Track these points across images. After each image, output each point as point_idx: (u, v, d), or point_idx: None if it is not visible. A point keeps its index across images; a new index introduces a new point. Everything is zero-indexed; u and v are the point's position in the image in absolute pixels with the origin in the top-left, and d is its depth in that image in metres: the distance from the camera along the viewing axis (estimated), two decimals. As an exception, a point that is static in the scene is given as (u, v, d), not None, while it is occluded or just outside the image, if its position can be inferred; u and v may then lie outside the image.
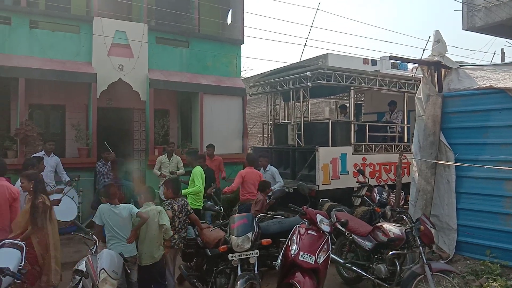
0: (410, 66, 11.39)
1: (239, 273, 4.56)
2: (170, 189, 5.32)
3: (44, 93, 9.87)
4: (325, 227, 4.85)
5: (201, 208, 6.90)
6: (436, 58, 6.71)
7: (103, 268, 3.80)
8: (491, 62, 12.42)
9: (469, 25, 10.33)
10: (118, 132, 11.47)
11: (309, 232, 4.85)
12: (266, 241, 4.90)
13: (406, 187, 8.85)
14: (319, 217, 4.89)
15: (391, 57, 6.55)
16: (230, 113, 11.57)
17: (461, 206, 6.45)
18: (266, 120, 11.20)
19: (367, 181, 8.66)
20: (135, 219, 4.57)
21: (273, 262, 5.44)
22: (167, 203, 5.18)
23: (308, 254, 4.61)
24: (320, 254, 4.67)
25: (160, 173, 9.09)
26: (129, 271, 4.38)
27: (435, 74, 6.80)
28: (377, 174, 9.74)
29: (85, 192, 9.17)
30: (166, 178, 8.94)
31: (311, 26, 10.91)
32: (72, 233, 4.53)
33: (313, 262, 4.57)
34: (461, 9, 10.18)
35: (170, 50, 11.05)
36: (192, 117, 11.60)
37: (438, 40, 6.74)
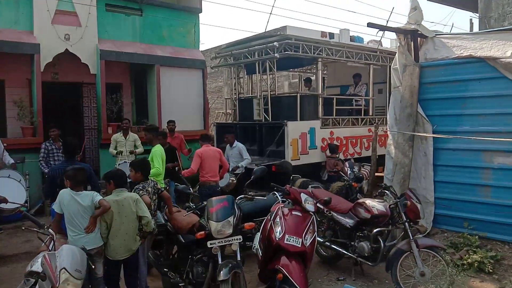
0: (366, 39, 11.20)
1: (220, 261, 4.09)
2: (139, 171, 4.71)
3: (-22, 66, 8.71)
4: (310, 207, 4.49)
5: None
6: (413, 27, 6.42)
7: (64, 268, 3.19)
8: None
9: (434, -4, 10.20)
10: (66, 109, 10.51)
11: (293, 212, 4.47)
12: (249, 225, 4.45)
13: (369, 160, 8.78)
14: (303, 197, 4.51)
15: (369, 24, 6.17)
16: (190, 87, 10.88)
17: (438, 178, 6.34)
18: (230, 94, 10.62)
19: (337, 156, 8.44)
20: (97, 209, 3.91)
21: (247, 243, 5.06)
22: (140, 187, 4.57)
23: (294, 237, 4.24)
24: (306, 236, 4.31)
25: (116, 151, 8.34)
26: (93, 266, 3.77)
27: (412, 43, 6.53)
28: (344, 148, 9.55)
29: (32, 175, 8.26)
30: (123, 157, 8.27)
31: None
32: (23, 228, 3.83)
33: (300, 245, 4.21)
34: (426, -21, 9.98)
35: (122, 18, 10.12)
36: (148, 91, 10.79)
37: (415, 7, 6.46)
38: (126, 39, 10.08)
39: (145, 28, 10.41)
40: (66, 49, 9.10)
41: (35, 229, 3.73)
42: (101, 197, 3.95)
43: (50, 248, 3.53)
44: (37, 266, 3.33)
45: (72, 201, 3.83)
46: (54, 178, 4.97)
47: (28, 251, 6.42)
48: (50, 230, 3.67)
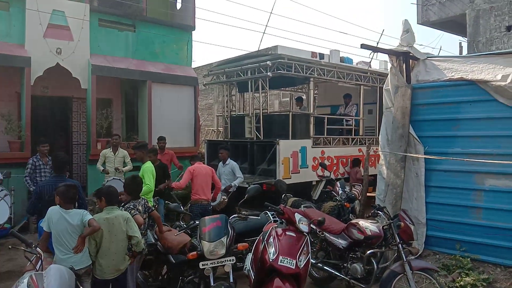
0: (355, 61, 11.36)
1: (212, 283, 4.00)
2: (130, 190, 4.60)
3: (-33, 78, 8.58)
4: (304, 227, 4.42)
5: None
6: (405, 49, 6.51)
7: (52, 289, 3.07)
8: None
9: (424, 19, 10.42)
10: (55, 124, 10.36)
11: (287, 233, 4.38)
12: (242, 245, 4.39)
13: (359, 179, 8.79)
14: (297, 217, 4.44)
15: (362, 46, 6.24)
16: (181, 104, 10.86)
17: (430, 200, 6.34)
18: (222, 112, 10.60)
19: (329, 175, 8.42)
20: (86, 228, 3.79)
21: (237, 264, 4.96)
22: (131, 206, 4.45)
23: (288, 258, 4.15)
24: (300, 257, 4.22)
25: (103, 168, 8.21)
26: (81, 287, 3.64)
27: (404, 65, 6.60)
28: (334, 168, 9.54)
29: (18, 191, 8.07)
30: (111, 173, 8.13)
31: (271, 13, 10.43)
32: (9, 247, 3.69)
33: (294, 267, 4.12)
34: (416, 3, 10.21)
35: (115, 33, 10.11)
36: (138, 107, 10.73)
37: (407, 30, 6.55)
38: (119, 54, 10.05)
39: (137, 44, 10.41)
40: (57, 63, 9.03)
41: (22, 247, 3.60)
42: (91, 216, 3.84)
43: (37, 268, 3.39)
44: (23, 287, 3.19)
45: (61, 219, 3.72)
46: (41, 194, 4.84)
47: (10, 270, 6.22)
48: (37, 249, 3.54)
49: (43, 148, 7.27)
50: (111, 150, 8.36)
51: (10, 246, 3.68)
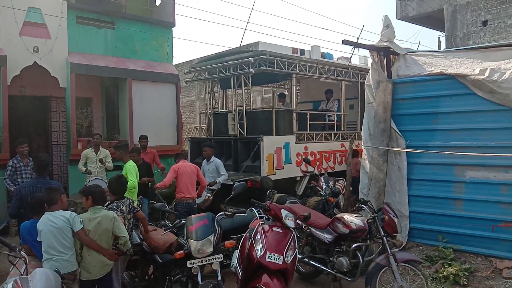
0: (336, 56, 11.46)
1: (200, 281, 3.99)
2: (114, 190, 4.54)
3: None
4: (290, 223, 4.45)
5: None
6: (385, 44, 6.59)
7: (38, 293, 3.01)
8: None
9: (403, 15, 10.56)
10: (34, 124, 10.14)
11: (274, 229, 4.40)
12: (229, 243, 4.39)
13: (342, 174, 8.88)
14: (284, 213, 4.46)
15: (344, 41, 6.30)
16: (163, 102, 10.76)
17: (412, 192, 6.46)
18: (204, 109, 10.54)
19: (312, 170, 8.47)
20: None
21: (224, 261, 4.96)
22: (114, 207, 4.38)
23: (276, 254, 4.17)
24: (287, 253, 4.25)
25: (85, 169, 8.08)
26: (66, 292, 3.59)
27: (384, 60, 6.69)
28: (318, 163, 9.60)
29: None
30: (92, 174, 8.00)
31: (252, 9, 10.41)
32: (-7, 250, 3.61)
33: (281, 263, 4.14)
34: (395, -2, 10.35)
35: (93, 31, 9.93)
36: (119, 105, 10.59)
37: (388, 25, 6.64)
38: (98, 52, 9.89)
39: (117, 42, 10.25)
40: (35, 62, 8.83)
41: (5, 252, 3.52)
42: (80, 225, 3.82)
43: (22, 272, 3.32)
44: (7, 292, 3.12)
45: (47, 222, 3.67)
46: (22, 196, 4.74)
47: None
48: (22, 252, 3.47)
49: (22, 149, 7.08)
50: (93, 150, 8.22)
51: (-7, 251, 3.59)
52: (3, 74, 8.28)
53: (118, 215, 4.24)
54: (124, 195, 4.71)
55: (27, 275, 3.28)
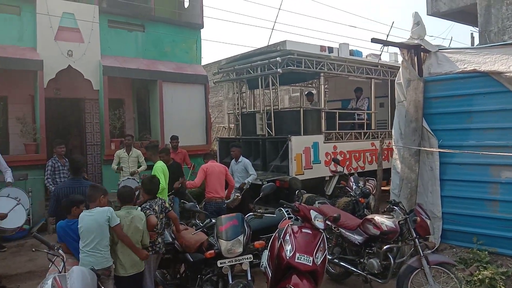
0: (364, 54, 11.29)
1: (230, 281, 4.04)
2: (147, 190, 4.67)
3: (-18, 82, 8.72)
4: (320, 224, 4.44)
5: None
6: (416, 41, 6.45)
7: (76, 290, 3.14)
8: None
9: (434, 10, 10.30)
10: (69, 125, 10.49)
11: (303, 230, 4.40)
12: (259, 243, 4.42)
13: (373, 174, 8.75)
14: (313, 214, 4.45)
15: (373, 40, 6.20)
16: (192, 102, 10.93)
17: (445, 193, 6.30)
18: (233, 109, 10.62)
19: (341, 170, 8.40)
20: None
21: (254, 261, 4.99)
22: (147, 206, 4.51)
23: (305, 255, 4.17)
24: (317, 254, 4.24)
25: (117, 167, 8.30)
26: (102, 287, 3.71)
27: (415, 58, 6.55)
28: (347, 162, 9.51)
29: (35, 192, 8.21)
30: (125, 173, 8.21)
31: (279, 9, 10.39)
32: (33, 250, 3.76)
33: (311, 264, 4.14)
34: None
35: (124, 34, 10.19)
36: (150, 107, 10.82)
37: (418, 22, 6.49)
38: (129, 55, 10.13)
39: (147, 44, 10.47)
40: (69, 65, 9.14)
41: (45, 250, 3.68)
42: (117, 221, 4.00)
43: (60, 269, 3.47)
44: (47, 288, 3.26)
45: (85, 218, 3.85)
46: (59, 196, 4.92)
47: (31, 270, 6.35)
48: (60, 251, 3.62)
49: (60, 150, 7.34)
50: (125, 150, 8.44)
51: (33, 249, 3.76)
52: (39, 78, 8.61)
53: (150, 214, 4.36)
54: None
55: (65, 272, 3.42)
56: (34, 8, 8.73)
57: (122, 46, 10.08)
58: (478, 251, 5.68)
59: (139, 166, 8.42)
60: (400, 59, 7.28)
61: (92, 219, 3.87)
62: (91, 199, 4.10)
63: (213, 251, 4.21)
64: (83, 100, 10.21)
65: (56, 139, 7.75)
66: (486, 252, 5.63)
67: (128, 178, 8.04)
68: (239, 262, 4.12)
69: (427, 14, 10.61)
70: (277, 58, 8.42)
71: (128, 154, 8.41)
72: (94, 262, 3.81)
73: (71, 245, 4.08)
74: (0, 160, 6.99)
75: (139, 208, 4.45)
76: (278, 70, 8.43)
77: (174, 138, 8.83)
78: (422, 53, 6.63)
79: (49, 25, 8.86)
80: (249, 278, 4.14)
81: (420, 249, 4.79)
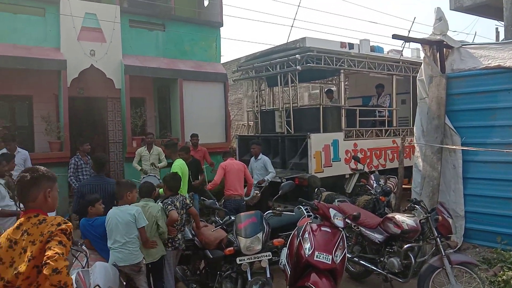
0: (386, 49, 11.11)
1: (249, 278, 4.07)
2: (169, 186, 4.76)
3: (9, 82, 8.96)
4: (339, 223, 4.42)
5: None
6: (438, 37, 6.34)
7: (98, 285, 3.22)
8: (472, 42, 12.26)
9: (457, 5, 10.08)
10: (91, 123, 10.69)
11: (322, 228, 4.39)
12: (278, 241, 4.43)
13: (394, 172, 8.64)
14: (332, 212, 4.44)
15: (394, 36, 6.12)
16: (212, 100, 10.97)
17: (468, 192, 6.19)
18: (252, 107, 10.65)
19: (362, 168, 8.32)
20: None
21: (273, 258, 5.01)
22: (169, 202, 4.61)
23: (324, 254, 4.16)
24: (336, 252, 4.22)
25: (140, 168, 8.45)
26: (124, 282, 3.80)
27: (437, 54, 6.43)
28: (368, 160, 9.42)
29: (59, 189, 8.34)
30: (143, 170, 8.34)
31: (298, 6, 10.36)
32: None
33: (330, 262, 4.13)
34: (448, -12, 9.88)
35: (145, 33, 10.30)
36: (170, 105, 10.92)
37: (440, 18, 6.38)
38: (150, 54, 10.24)
39: (168, 43, 10.57)
40: (92, 65, 9.29)
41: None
42: (144, 223, 4.17)
43: (83, 265, 3.57)
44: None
45: (114, 215, 3.96)
46: (83, 193, 5.04)
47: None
48: (83, 247, 3.72)
49: (87, 147, 7.60)
50: (146, 148, 8.57)
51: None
52: (63, 77, 8.80)
53: (171, 210, 4.45)
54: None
55: (88, 267, 3.51)
56: (58, 9, 8.91)
57: (143, 45, 10.20)
58: (502, 251, 5.57)
59: (159, 163, 8.55)
60: (422, 55, 7.17)
61: (119, 217, 3.99)
62: (118, 196, 4.29)
63: (232, 248, 4.25)
64: (105, 99, 10.38)
65: (81, 139, 7.93)
66: (511, 252, 5.50)
67: (149, 175, 8.16)
68: (258, 259, 4.14)
69: (450, 9, 10.38)
70: (296, 55, 8.40)
71: (149, 152, 8.53)
72: (123, 258, 3.92)
73: (94, 242, 4.21)
74: (26, 160, 7.21)
75: (160, 203, 4.57)
76: (297, 67, 8.41)
77: (194, 136, 8.92)
78: (444, 49, 6.52)
79: (72, 26, 9.03)
80: (268, 275, 4.15)
81: (442, 248, 4.72)
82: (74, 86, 9.33)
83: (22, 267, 2.12)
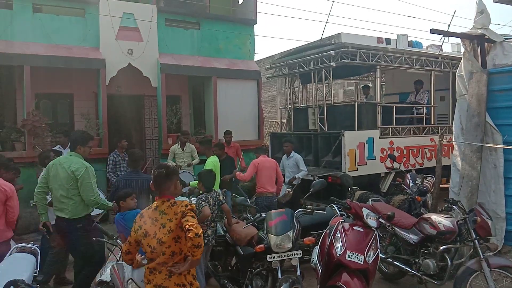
0: (425, 45, 10.76)
1: (280, 276, 4.07)
2: (204, 183, 4.83)
3: (51, 81, 9.35)
4: (372, 222, 4.33)
5: None
6: (479, 31, 6.08)
7: (131, 278, 3.31)
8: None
9: (501, -4, 9.59)
10: (129, 121, 10.99)
11: (354, 228, 4.33)
12: (308, 239, 4.40)
13: (431, 171, 8.36)
14: (365, 212, 4.36)
15: (432, 30, 5.93)
16: (245, 98, 11.05)
17: (509, 192, 5.91)
18: (285, 104, 10.62)
19: (397, 167, 8.12)
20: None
21: (304, 256, 4.98)
22: (203, 198, 4.68)
23: (356, 253, 4.10)
24: (369, 252, 4.15)
25: (174, 164, 8.61)
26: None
27: (478, 49, 6.18)
28: (404, 159, 9.18)
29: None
30: (177, 168, 8.49)
31: (333, 1, 10.21)
32: (93, 238, 4.02)
33: (362, 262, 4.06)
34: (492, -21, 9.42)
35: (181, 32, 10.48)
36: (205, 103, 11.07)
37: (482, 11, 6.11)
38: (185, 52, 10.41)
39: (202, 41, 10.70)
40: (129, 64, 9.55)
41: (105, 239, 3.91)
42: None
43: (118, 258, 3.68)
44: (106, 276, 3.48)
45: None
46: (118, 188, 5.20)
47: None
48: (118, 241, 3.83)
49: (124, 143, 7.88)
50: (179, 146, 8.73)
51: (94, 238, 4.00)
52: (102, 76, 9.09)
53: (204, 206, 4.50)
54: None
55: (122, 261, 3.61)
56: (97, 10, 9.21)
57: (179, 44, 10.38)
58: (546, 255, 5.29)
59: (192, 160, 8.70)
60: (462, 50, 6.91)
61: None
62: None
63: (262, 245, 4.26)
64: (142, 97, 10.65)
65: (120, 136, 8.20)
66: (556, 257, 5.23)
67: (183, 171, 8.31)
68: (289, 257, 4.13)
69: (493, 1, 9.90)
70: (331, 52, 8.28)
71: (183, 150, 8.70)
72: None
73: (126, 235, 4.31)
74: None
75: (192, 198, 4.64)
76: (332, 63, 8.29)
77: (228, 133, 9.00)
78: (486, 43, 6.25)
79: (111, 25, 9.31)
80: (299, 273, 4.15)
81: (480, 251, 4.54)
82: (113, 85, 9.61)
83: (164, 238, 2.87)
